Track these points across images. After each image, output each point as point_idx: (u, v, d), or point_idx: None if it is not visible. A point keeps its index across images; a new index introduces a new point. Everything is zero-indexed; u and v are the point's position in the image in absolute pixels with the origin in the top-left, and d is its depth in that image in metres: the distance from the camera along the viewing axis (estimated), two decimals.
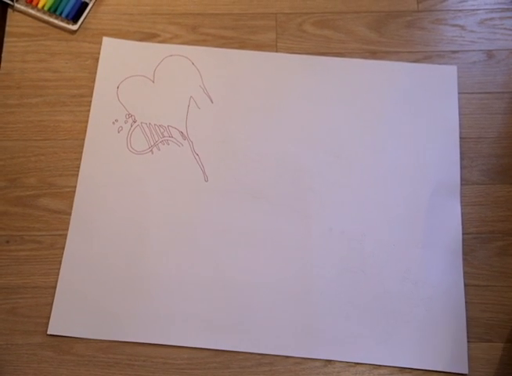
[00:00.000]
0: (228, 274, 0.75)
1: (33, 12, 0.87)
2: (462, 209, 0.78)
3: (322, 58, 0.85)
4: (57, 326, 0.73)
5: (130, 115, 0.83)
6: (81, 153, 0.81)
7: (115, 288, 0.74)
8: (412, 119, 0.82)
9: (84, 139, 0.81)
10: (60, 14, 0.87)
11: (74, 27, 0.87)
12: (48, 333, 0.73)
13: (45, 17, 0.87)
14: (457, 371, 0.71)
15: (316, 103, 0.83)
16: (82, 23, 0.87)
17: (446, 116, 0.82)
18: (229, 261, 0.76)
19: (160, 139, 0.82)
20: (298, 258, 0.76)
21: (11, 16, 0.88)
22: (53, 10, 0.87)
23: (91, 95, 0.84)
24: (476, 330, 0.73)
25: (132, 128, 0.82)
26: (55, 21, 0.87)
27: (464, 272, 0.75)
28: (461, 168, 0.80)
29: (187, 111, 0.83)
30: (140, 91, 0.84)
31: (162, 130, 0.82)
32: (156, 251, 0.76)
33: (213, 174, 0.80)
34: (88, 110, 0.83)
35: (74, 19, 0.87)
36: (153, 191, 0.79)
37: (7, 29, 0.87)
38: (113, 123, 0.82)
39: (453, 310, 0.73)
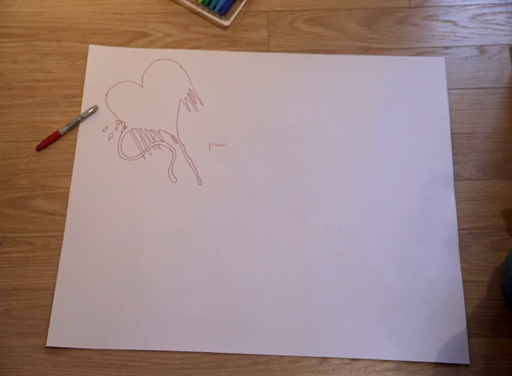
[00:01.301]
0: (224, 275, 0.75)
1: (187, 3, 0.87)
2: (457, 202, 0.78)
3: (310, 55, 0.85)
4: (55, 338, 0.72)
5: (120, 121, 0.82)
6: (73, 153, 0.80)
7: (112, 296, 0.74)
8: (402, 112, 0.82)
9: (76, 140, 0.81)
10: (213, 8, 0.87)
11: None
12: (47, 345, 0.72)
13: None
14: (459, 362, 0.71)
15: (307, 101, 0.83)
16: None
17: (436, 107, 0.82)
18: (225, 263, 0.75)
19: (152, 144, 0.81)
20: (295, 257, 0.76)
21: (1, 17, 0.87)
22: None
23: (82, 96, 0.83)
24: (471, 325, 0.73)
25: (123, 135, 0.82)
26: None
27: None
28: (454, 163, 0.80)
29: (177, 114, 0.83)
30: (129, 96, 0.83)
31: (153, 134, 0.82)
32: (151, 255, 0.76)
33: (206, 177, 0.80)
34: (80, 110, 0.82)
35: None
36: (146, 196, 0.78)
37: None
38: (103, 130, 0.82)
39: (452, 302, 0.73)
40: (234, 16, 0.87)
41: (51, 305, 0.73)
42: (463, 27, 0.87)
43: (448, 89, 0.83)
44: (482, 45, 0.86)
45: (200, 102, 0.83)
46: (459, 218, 0.77)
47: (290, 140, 0.81)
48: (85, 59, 0.85)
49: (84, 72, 0.84)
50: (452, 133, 0.81)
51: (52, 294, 0.74)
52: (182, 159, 0.81)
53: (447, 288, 0.74)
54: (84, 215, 0.77)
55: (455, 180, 0.79)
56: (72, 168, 0.80)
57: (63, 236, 0.76)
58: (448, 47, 0.86)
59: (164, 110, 0.83)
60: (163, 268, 0.75)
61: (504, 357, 0.71)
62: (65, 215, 0.77)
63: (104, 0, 0.89)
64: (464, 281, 0.75)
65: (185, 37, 0.87)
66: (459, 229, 0.77)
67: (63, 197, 0.78)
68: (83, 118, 0.82)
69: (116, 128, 0.82)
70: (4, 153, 0.81)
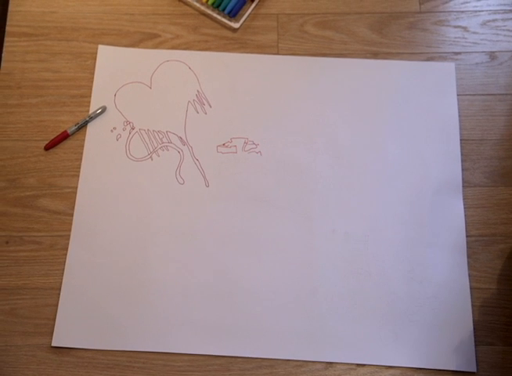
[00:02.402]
0: (230, 279, 0.75)
1: (197, 4, 0.87)
2: (465, 209, 0.78)
3: (320, 59, 0.85)
4: (61, 338, 0.72)
5: (128, 122, 0.82)
6: (81, 153, 0.80)
7: (118, 297, 0.74)
8: (411, 117, 0.82)
9: (84, 140, 0.81)
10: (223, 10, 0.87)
11: None
12: (52, 345, 0.72)
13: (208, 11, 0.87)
14: (465, 370, 0.71)
15: (316, 105, 0.83)
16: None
17: (445, 113, 0.82)
18: (232, 266, 0.75)
19: (160, 146, 0.81)
20: (302, 261, 0.75)
21: (11, 16, 0.87)
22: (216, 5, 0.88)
23: (91, 96, 0.83)
24: (478, 332, 0.72)
25: (131, 136, 0.82)
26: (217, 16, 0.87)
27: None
28: (463, 169, 0.80)
29: (185, 116, 0.82)
30: (137, 97, 0.83)
31: (161, 136, 0.82)
32: (158, 257, 0.76)
33: (214, 179, 0.79)
34: (88, 111, 0.82)
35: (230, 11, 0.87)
36: (153, 198, 0.78)
37: (7, 29, 0.86)
38: (112, 131, 0.82)
39: (459, 309, 0.73)
40: (244, 18, 0.87)
41: (57, 305, 0.73)
42: (474, 32, 0.87)
43: (457, 95, 0.83)
44: (493, 52, 0.85)
45: (209, 104, 0.83)
46: (468, 225, 0.77)
47: (298, 144, 0.81)
48: (94, 59, 0.85)
49: (93, 72, 0.85)
50: (461, 139, 0.81)
51: (58, 294, 0.74)
52: (190, 161, 0.80)
53: (454, 295, 0.74)
54: (91, 215, 0.77)
55: (463, 187, 0.79)
56: (80, 168, 0.80)
57: (69, 235, 0.77)
58: (459, 53, 0.86)
59: (172, 112, 0.83)
60: (169, 269, 0.75)
61: (511, 365, 0.71)
62: (72, 215, 0.77)
63: (114, 0, 0.89)
64: (472, 288, 0.74)
65: (195, 39, 0.87)
66: (467, 236, 0.77)
67: (71, 196, 0.79)
68: (91, 118, 0.82)
69: (124, 129, 0.82)
70: (12, 152, 0.81)
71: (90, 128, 0.82)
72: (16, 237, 0.77)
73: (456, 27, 0.87)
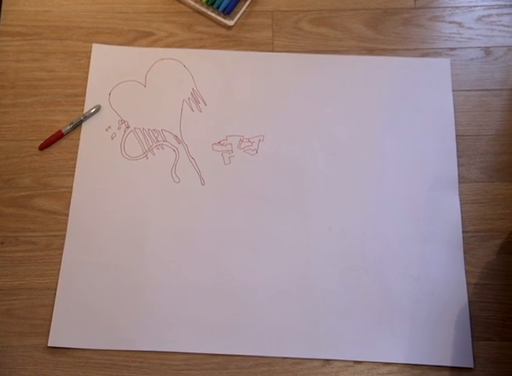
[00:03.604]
0: (227, 277, 0.74)
1: (191, 2, 0.87)
2: (461, 204, 0.78)
3: (315, 56, 0.85)
4: (57, 338, 0.72)
5: (123, 121, 0.82)
6: (76, 153, 0.80)
7: (114, 297, 0.74)
8: (407, 113, 0.82)
9: (79, 139, 0.81)
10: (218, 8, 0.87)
11: None
12: (49, 345, 0.72)
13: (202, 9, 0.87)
14: (463, 365, 0.71)
15: (311, 101, 0.83)
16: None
17: (441, 109, 0.82)
18: (228, 264, 0.75)
19: (155, 144, 0.81)
20: (298, 259, 0.75)
21: (4, 15, 0.87)
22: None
23: (85, 95, 0.83)
24: (475, 328, 0.72)
25: (126, 134, 0.81)
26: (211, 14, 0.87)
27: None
28: (459, 165, 0.80)
29: (181, 115, 0.82)
30: (132, 96, 0.83)
31: (156, 134, 0.81)
32: (153, 256, 0.75)
33: (209, 177, 0.79)
34: (83, 110, 0.82)
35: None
36: (149, 196, 0.78)
37: (0, 28, 0.86)
38: (106, 130, 0.81)
39: (456, 304, 0.73)
40: (238, 15, 0.86)
41: (53, 305, 0.73)
42: (469, 28, 0.86)
43: (453, 91, 0.83)
44: (488, 47, 0.85)
45: (204, 102, 0.83)
46: (464, 221, 0.77)
47: (293, 141, 0.81)
48: (89, 58, 0.85)
49: (88, 71, 0.84)
50: (456, 135, 0.81)
51: (54, 294, 0.74)
52: (185, 159, 0.80)
53: (451, 291, 0.74)
54: (86, 215, 0.77)
55: (459, 182, 0.79)
56: (75, 167, 0.79)
57: (65, 235, 0.76)
58: (454, 48, 0.85)
59: (167, 110, 0.83)
60: (165, 268, 0.75)
61: (509, 361, 0.71)
62: (67, 215, 0.77)
63: None
64: (468, 284, 0.74)
65: (189, 37, 0.86)
66: (463, 232, 0.76)
67: (66, 196, 0.78)
68: (86, 117, 0.82)
69: (119, 128, 0.82)
70: (6, 152, 0.80)
71: (85, 127, 0.82)
72: (11, 238, 0.77)
73: (450, 22, 0.87)
